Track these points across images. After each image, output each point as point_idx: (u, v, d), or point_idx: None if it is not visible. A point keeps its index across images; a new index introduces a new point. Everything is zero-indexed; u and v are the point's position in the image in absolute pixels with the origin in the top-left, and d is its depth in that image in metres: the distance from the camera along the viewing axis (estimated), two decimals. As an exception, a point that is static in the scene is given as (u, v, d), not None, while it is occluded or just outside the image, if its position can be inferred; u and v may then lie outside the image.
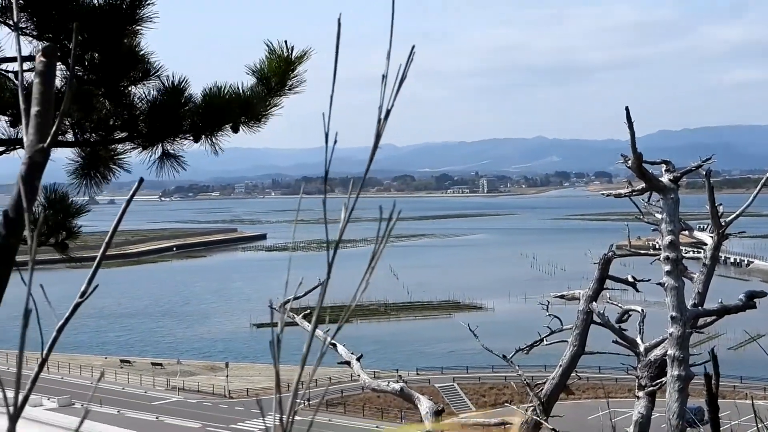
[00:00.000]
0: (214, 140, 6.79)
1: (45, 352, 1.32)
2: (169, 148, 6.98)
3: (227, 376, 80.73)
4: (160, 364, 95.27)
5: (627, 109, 9.07)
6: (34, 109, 1.18)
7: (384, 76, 1.12)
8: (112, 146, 7.06)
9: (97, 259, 1.31)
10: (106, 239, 1.40)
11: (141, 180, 1.61)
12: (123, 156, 7.23)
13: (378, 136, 1.15)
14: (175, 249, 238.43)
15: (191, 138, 6.84)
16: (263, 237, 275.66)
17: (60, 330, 1.35)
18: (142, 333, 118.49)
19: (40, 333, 1.36)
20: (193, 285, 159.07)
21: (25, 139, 1.14)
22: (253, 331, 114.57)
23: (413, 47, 1.21)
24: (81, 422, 1.38)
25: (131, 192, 1.48)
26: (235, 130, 6.82)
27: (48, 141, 1.15)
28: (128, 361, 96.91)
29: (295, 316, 8.87)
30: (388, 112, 1.17)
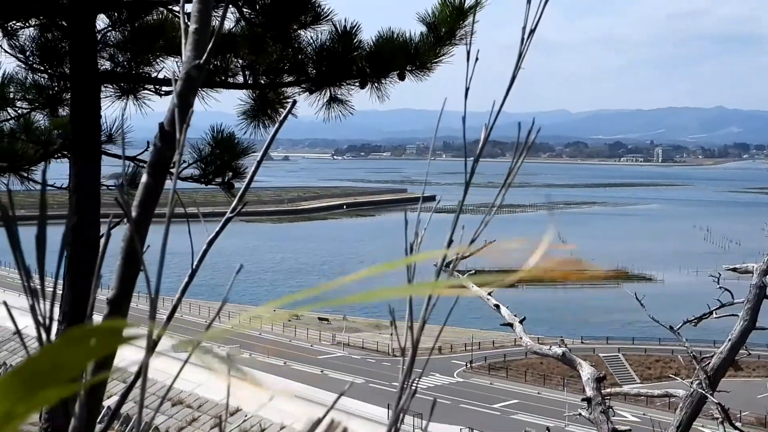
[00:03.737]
0: (380, 87, 6.81)
1: (177, 297, 1.36)
2: (336, 92, 7.04)
3: (392, 334, 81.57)
4: (327, 320, 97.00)
5: None
6: (192, 27, 1.22)
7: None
8: (281, 89, 7.16)
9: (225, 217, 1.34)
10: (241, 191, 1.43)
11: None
12: (290, 99, 7.32)
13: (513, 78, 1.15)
14: (345, 207, 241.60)
15: (358, 84, 6.89)
16: (432, 198, 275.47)
17: (191, 275, 1.40)
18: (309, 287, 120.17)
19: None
20: (364, 243, 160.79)
21: (183, 55, 1.18)
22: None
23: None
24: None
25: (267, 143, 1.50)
26: (401, 77, 6.83)
27: (204, 57, 1.19)
28: (296, 315, 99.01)
29: (460, 275, 8.86)
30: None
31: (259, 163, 1.38)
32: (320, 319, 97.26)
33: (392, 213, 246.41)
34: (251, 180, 1.44)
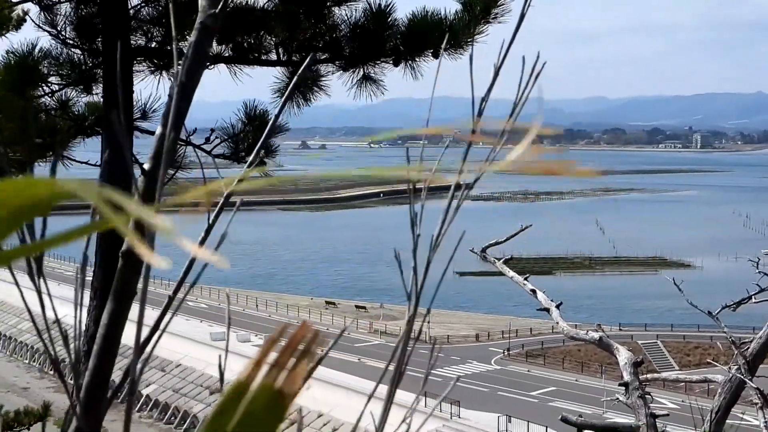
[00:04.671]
0: (414, 66, 6.79)
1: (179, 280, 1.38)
2: (370, 71, 7.02)
3: (428, 322, 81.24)
4: (364, 307, 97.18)
5: None
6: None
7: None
8: (315, 67, 7.15)
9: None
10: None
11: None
12: (324, 78, 7.32)
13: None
14: (382, 195, 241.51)
15: (392, 62, 6.87)
16: (469, 186, 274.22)
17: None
18: (352, 277, 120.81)
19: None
20: (401, 231, 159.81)
21: (198, 6, 1.19)
22: (456, 280, 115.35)
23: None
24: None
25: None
26: (436, 55, 6.81)
27: (219, 6, 1.21)
28: (333, 303, 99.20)
29: (496, 261, 8.87)
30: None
31: (269, 134, 1.38)
32: (357, 307, 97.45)
33: (428, 201, 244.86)
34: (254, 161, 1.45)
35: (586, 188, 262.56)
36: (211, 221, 1.27)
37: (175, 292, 1.30)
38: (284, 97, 7.34)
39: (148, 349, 1.25)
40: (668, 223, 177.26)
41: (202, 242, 1.20)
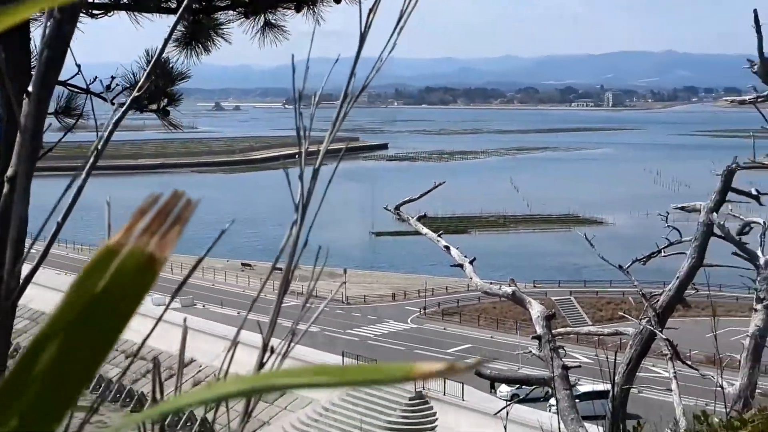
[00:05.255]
0: (316, 11, 6.76)
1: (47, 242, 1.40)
2: (271, 17, 6.98)
3: (345, 282, 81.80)
4: (249, 265, 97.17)
5: (755, 11, 8.80)
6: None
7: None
8: (214, 14, 7.07)
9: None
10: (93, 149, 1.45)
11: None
12: (225, 26, 7.24)
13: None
14: (297, 156, 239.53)
15: (293, 7, 6.82)
16: (385, 147, 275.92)
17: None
18: (264, 238, 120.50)
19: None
20: (318, 191, 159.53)
21: None
22: (371, 239, 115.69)
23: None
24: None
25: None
26: (338, 0, 6.77)
27: None
28: (249, 265, 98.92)
29: (410, 217, 8.94)
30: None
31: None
32: (243, 264, 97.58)
33: (345, 161, 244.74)
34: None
35: (500, 147, 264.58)
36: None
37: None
38: (169, 33, 7.26)
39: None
40: (581, 180, 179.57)
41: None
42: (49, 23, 1.24)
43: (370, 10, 1.26)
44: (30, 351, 0.63)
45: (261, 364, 1.15)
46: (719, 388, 7.52)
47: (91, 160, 1.31)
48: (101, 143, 1.19)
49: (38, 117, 1.29)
